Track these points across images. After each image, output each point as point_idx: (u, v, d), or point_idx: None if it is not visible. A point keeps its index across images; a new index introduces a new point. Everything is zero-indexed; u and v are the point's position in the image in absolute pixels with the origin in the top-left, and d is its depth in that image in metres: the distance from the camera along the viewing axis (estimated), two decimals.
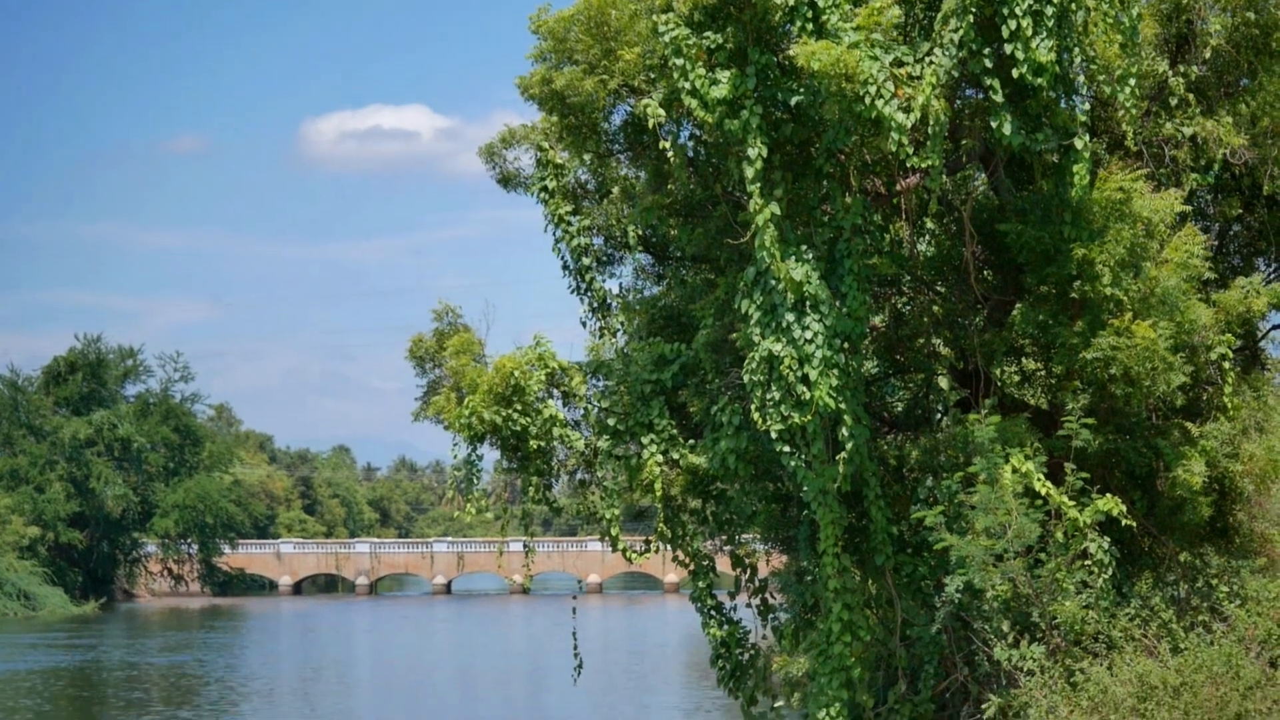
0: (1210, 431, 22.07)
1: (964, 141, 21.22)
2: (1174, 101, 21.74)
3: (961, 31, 19.46)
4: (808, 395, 19.83)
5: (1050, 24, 19.42)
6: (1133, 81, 20.06)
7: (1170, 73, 21.79)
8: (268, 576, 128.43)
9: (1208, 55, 21.92)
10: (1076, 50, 19.75)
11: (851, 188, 20.59)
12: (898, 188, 21.08)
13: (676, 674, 53.38)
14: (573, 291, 24.60)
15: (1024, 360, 23.86)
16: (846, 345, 20.31)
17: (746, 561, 24.36)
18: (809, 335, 19.84)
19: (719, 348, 21.87)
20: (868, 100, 19.05)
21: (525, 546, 25.27)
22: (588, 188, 24.78)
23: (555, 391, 23.38)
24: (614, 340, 24.67)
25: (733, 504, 23.23)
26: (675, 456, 22.40)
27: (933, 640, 21.72)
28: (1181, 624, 20.65)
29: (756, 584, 24.40)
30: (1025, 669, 20.34)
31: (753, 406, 20.39)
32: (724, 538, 24.28)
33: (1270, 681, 19.15)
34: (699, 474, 22.75)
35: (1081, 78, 20.54)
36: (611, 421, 22.51)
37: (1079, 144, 20.20)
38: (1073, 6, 19.50)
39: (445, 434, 23.45)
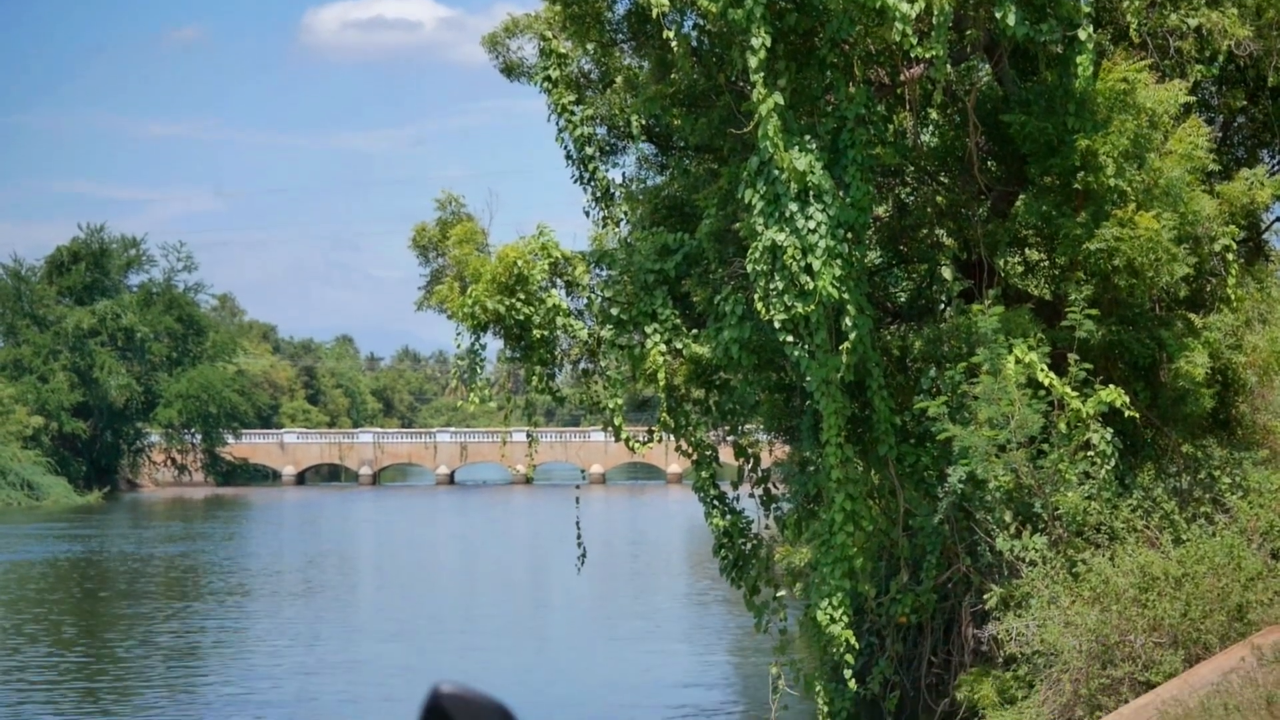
0: (1213, 323, 22.07)
1: (968, 32, 21.07)
2: None
3: None
4: (811, 285, 19.81)
5: None
6: None
7: None
8: (271, 466, 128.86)
9: None
10: None
11: (855, 78, 20.48)
12: (902, 78, 20.96)
13: (679, 564, 53.64)
14: (576, 181, 24.54)
15: (1027, 251, 23.82)
16: (850, 235, 20.26)
17: (749, 452, 24.41)
18: (812, 225, 19.79)
19: (722, 237, 21.81)
20: None
21: (528, 436, 25.32)
22: (591, 77, 24.66)
23: (558, 281, 23.35)
24: (617, 230, 24.63)
25: (736, 394, 23.24)
26: (678, 346, 22.40)
27: (935, 530, 21.80)
28: (1183, 515, 20.71)
29: (759, 474, 24.47)
30: (1027, 559, 20.42)
31: (756, 296, 20.37)
32: (727, 428, 24.33)
33: (1272, 573, 19.22)
34: (702, 364, 22.76)
35: None
36: (615, 311, 22.50)
37: (1083, 35, 20.06)
38: None
39: (448, 324, 23.46)
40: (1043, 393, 20.40)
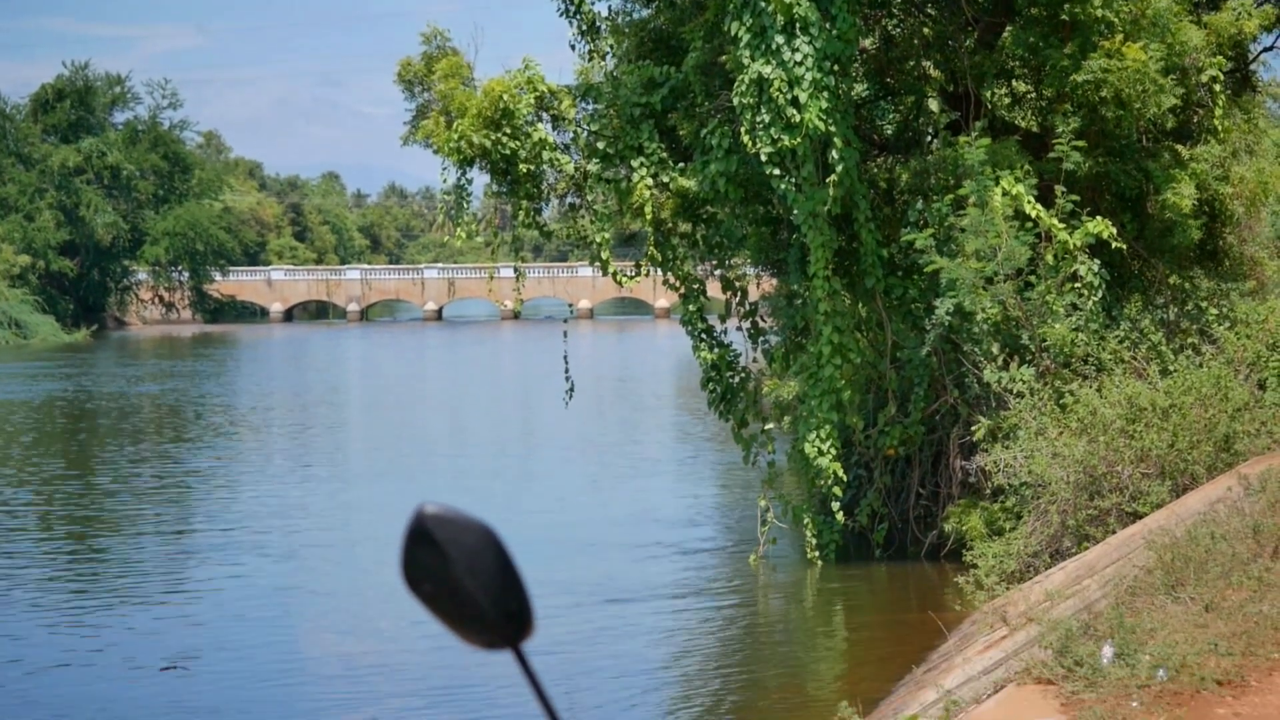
0: (1200, 154, 22.00)
1: None
2: None
3: None
4: (797, 118, 19.70)
5: None
6: None
7: None
8: (259, 304, 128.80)
9: None
10: None
11: None
12: None
13: (667, 398, 53.80)
14: (562, 14, 24.30)
15: (1014, 83, 23.69)
16: (836, 68, 20.12)
17: (737, 285, 24.40)
18: (799, 58, 19.65)
19: (709, 70, 21.66)
20: None
21: (516, 272, 25.29)
22: None
23: (544, 115, 23.21)
24: (603, 63, 24.44)
25: (723, 227, 23.20)
26: (665, 180, 22.32)
27: (922, 363, 21.85)
28: (1170, 346, 20.77)
29: (747, 308, 24.47)
30: (1015, 391, 20.49)
31: (742, 129, 20.27)
32: (714, 262, 24.30)
33: (1258, 403, 19.29)
34: (689, 197, 22.68)
35: None
36: (601, 145, 22.39)
37: None
38: None
39: (435, 160, 23.35)
40: (1030, 225, 20.37)
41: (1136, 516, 17.70)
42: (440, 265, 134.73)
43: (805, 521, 22.07)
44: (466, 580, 2.08)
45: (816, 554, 21.89)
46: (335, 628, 19.30)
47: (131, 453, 37.22)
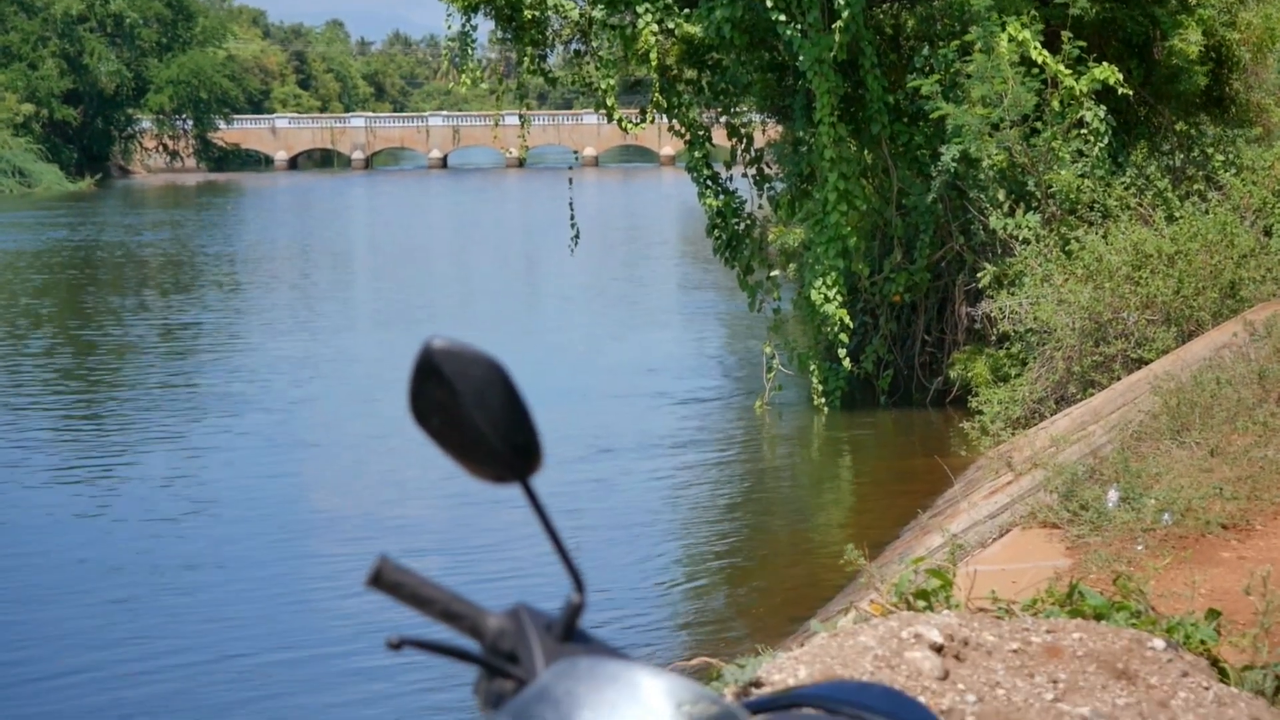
0: (1207, 0, 21.83)
1: None
2: None
3: None
4: None
5: None
6: None
7: None
8: (263, 152, 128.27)
9: None
10: None
11: None
12: None
13: (672, 245, 53.74)
14: None
15: None
16: None
17: (742, 132, 24.29)
18: None
19: None
20: None
21: (521, 119, 25.17)
22: None
23: None
24: None
25: (728, 74, 23.05)
26: (670, 26, 22.14)
27: (928, 209, 21.79)
28: (1177, 193, 20.70)
29: (752, 155, 24.38)
30: (1020, 238, 20.45)
31: None
32: (719, 109, 24.17)
33: (1264, 249, 19.26)
34: (694, 44, 22.52)
35: None
36: None
37: None
38: None
39: (439, 6, 23.16)
40: (1036, 70, 20.24)
41: (1142, 363, 17.73)
42: (445, 113, 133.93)
43: (811, 368, 22.12)
44: (474, 414, 2.09)
45: (822, 401, 21.95)
46: (342, 473, 19.40)
47: (136, 303, 37.25)
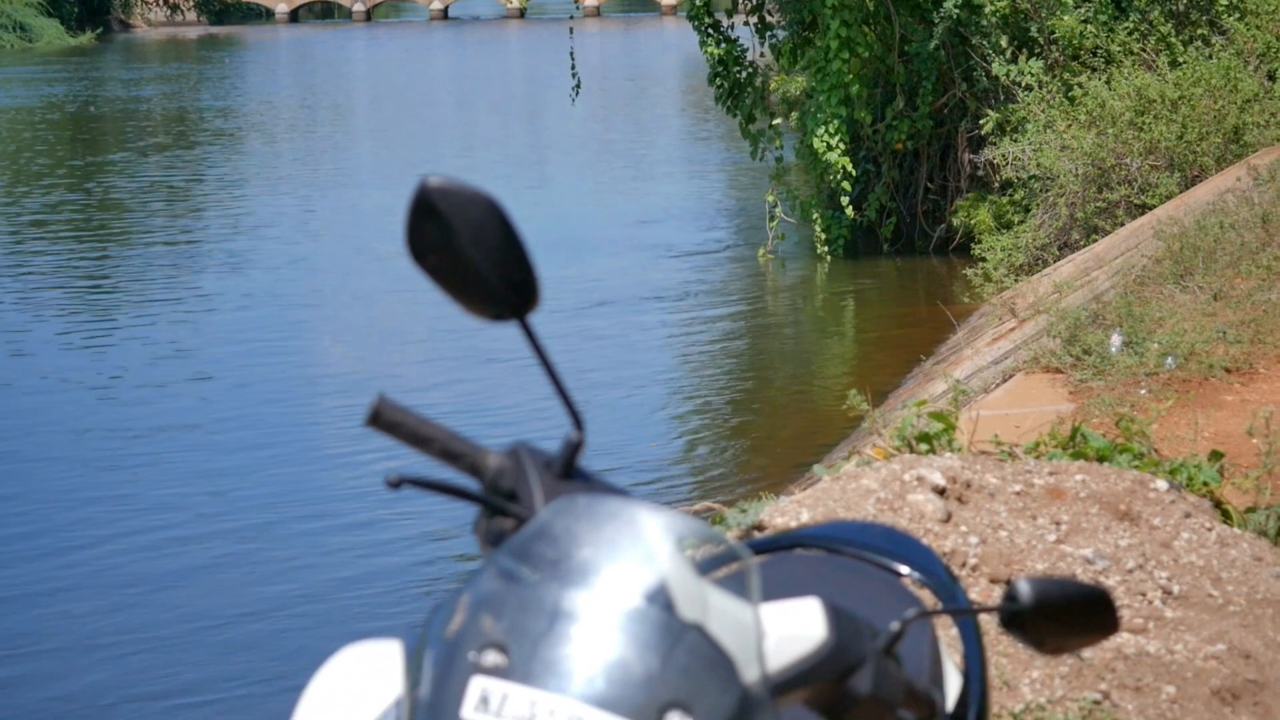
0: None
1: None
2: None
3: None
4: None
5: None
6: None
7: None
8: (264, 4, 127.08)
9: None
10: None
11: None
12: None
13: (674, 95, 53.41)
14: None
15: None
16: None
17: None
18: None
19: None
20: None
21: None
22: None
23: None
24: None
25: None
26: None
27: (931, 56, 21.63)
28: (1180, 38, 20.54)
29: (754, 2, 24.16)
30: (1023, 84, 20.33)
31: None
32: None
33: (1268, 94, 19.14)
34: None
35: None
36: None
37: None
38: None
39: None
40: None
41: (1145, 208, 17.69)
42: None
43: (814, 217, 22.06)
44: (471, 251, 2.08)
45: (825, 249, 21.91)
46: (345, 328, 19.41)
47: (136, 159, 37.08)
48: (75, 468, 14.01)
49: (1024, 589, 2.10)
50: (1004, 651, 5.14)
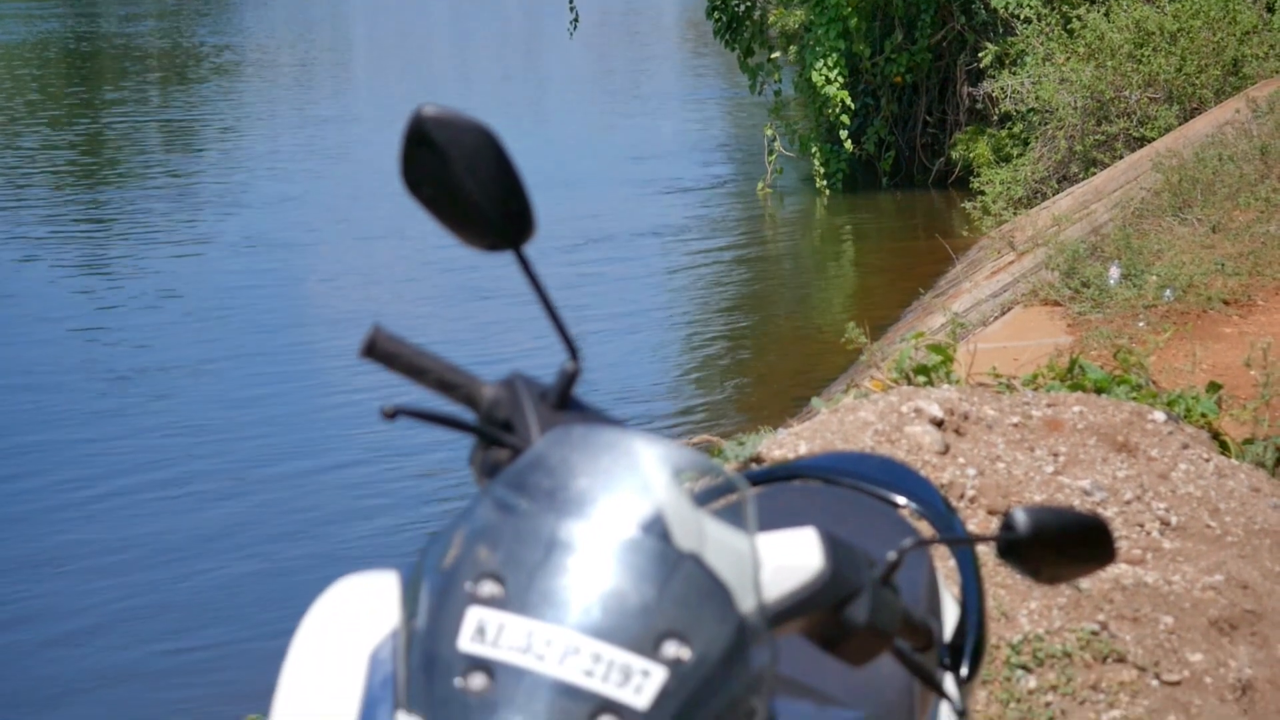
0: None
1: None
2: None
3: None
4: None
5: None
6: None
7: None
8: None
9: None
10: None
11: None
12: None
13: (672, 29, 53.23)
14: None
15: None
16: None
17: None
18: None
19: None
20: None
21: None
22: None
23: None
24: None
25: None
26: None
27: None
28: None
29: None
30: (1022, 17, 20.25)
31: None
32: None
33: (1267, 26, 19.07)
34: None
35: None
36: None
37: None
38: None
39: None
40: None
41: (1144, 141, 17.65)
42: None
43: (812, 151, 22.02)
44: (466, 181, 2.07)
45: (824, 183, 21.88)
46: (340, 266, 19.38)
47: (133, 95, 36.95)
48: (68, 408, 13.98)
49: (1021, 518, 2.09)
50: (1001, 583, 5.15)
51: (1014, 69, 19.95)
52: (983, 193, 18.95)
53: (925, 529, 2.74)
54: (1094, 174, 17.65)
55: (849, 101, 21.31)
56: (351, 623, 1.96)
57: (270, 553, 10.93)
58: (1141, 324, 9.29)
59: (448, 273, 17.56)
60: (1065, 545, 2.14)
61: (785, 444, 5.73)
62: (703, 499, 1.92)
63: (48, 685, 9.28)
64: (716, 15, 23.53)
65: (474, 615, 1.77)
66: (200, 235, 20.91)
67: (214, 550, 10.94)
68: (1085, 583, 5.21)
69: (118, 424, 13.60)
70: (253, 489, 12.09)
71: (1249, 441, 6.85)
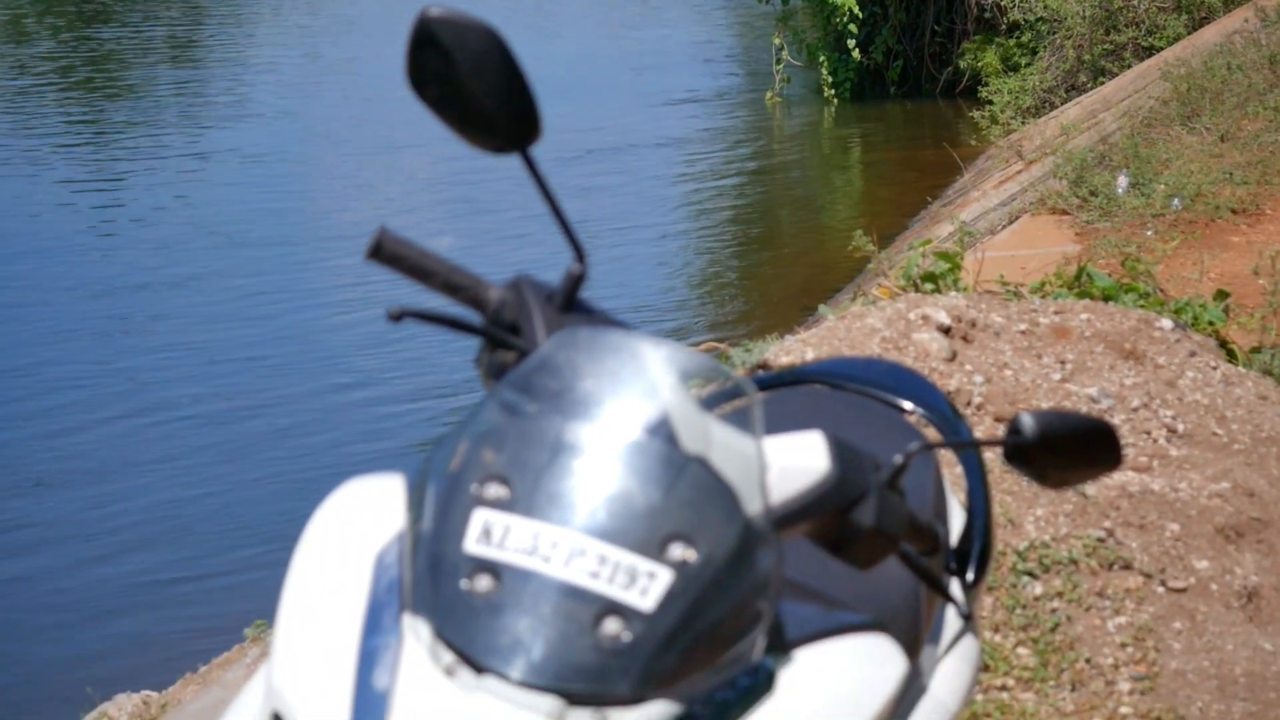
0: None
1: None
2: None
3: None
4: None
5: None
6: None
7: None
8: None
9: None
10: None
11: None
12: None
13: None
14: None
15: None
16: None
17: None
18: None
19: None
20: None
21: None
22: None
23: None
24: None
25: None
26: None
27: None
28: None
29: None
30: None
31: None
32: None
33: None
34: None
35: None
36: None
37: None
38: None
39: None
40: None
41: (1152, 50, 17.56)
42: None
43: (820, 60, 21.93)
44: (471, 82, 2.05)
45: (831, 93, 21.81)
46: (346, 179, 19.33)
47: (140, 6, 36.74)
48: (73, 322, 13.98)
49: (1028, 422, 2.08)
50: (1008, 490, 5.16)
51: None
52: (991, 102, 18.87)
53: (932, 434, 2.74)
54: (1102, 83, 17.56)
55: (857, 10, 21.20)
56: (357, 526, 1.96)
57: (275, 462, 10.95)
58: (1149, 232, 9.27)
59: (454, 184, 17.51)
60: (1072, 449, 2.13)
61: (792, 351, 5.72)
62: (709, 403, 1.92)
63: (60, 603, 9.33)
64: None
65: (480, 517, 1.77)
66: (203, 147, 20.83)
67: (218, 463, 10.97)
68: (1091, 489, 5.22)
69: (117, 335, 13.60)
70: (257, 402, 12.10)
71: (1256, 350, 6.85)
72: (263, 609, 6.10)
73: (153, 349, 13.28)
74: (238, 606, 8.00)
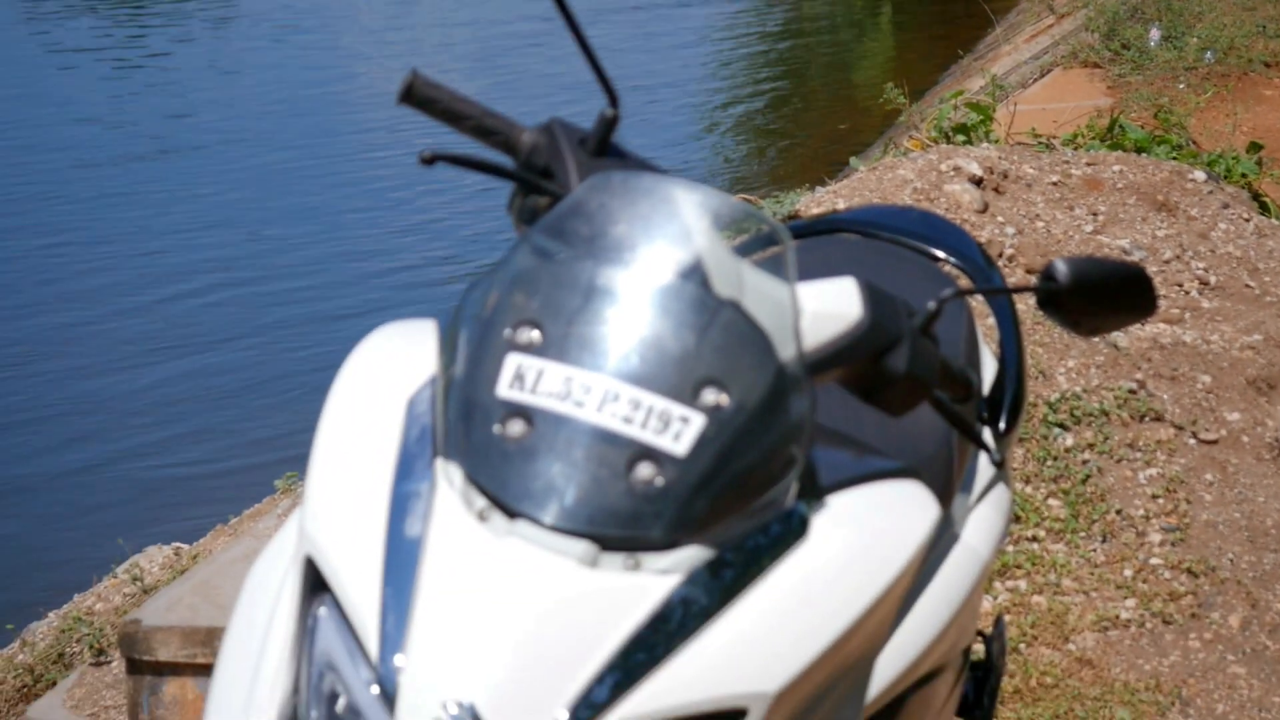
0: None
1: None
2: None
3: None
4: None
5: None
6: None
7: None
8: None
9: None
10: None
11: None
12: None
13: None
14: None
15: None
16: None
17: None
18: None
19: None
20: None
21: None
22: None
23: None
24: None
25: None
26: None
27: None
28: None
29: None
30: None
31: None
32: None
33: None
34: None
35: None
36: None
37: None
38: None
39: None
40: None
41: None
42: None
43: None
44: None
45: None
46: (368, 39, 19.21)
47: None
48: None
49: (1061, 268, 2.06)
50: (1040, 341, 5.14)
51: None
52: None
53: (965, 283, 2.71)
54: None
55: None
56: (389, 372, 1.94)
57: (310, 304, 10.97)
58: (1182, 86, 9.18)
59: (484, 32, 17.38)
60: (1106, 295, 2.10)
61: (823, 202, 5.69)
62: (743, 250, 1.90)
63: (92, 458, 9.38)
64: None
65: (512, 362, 1.75)
66: (228, 40, 20.62)
67: (245, 319, 10.97)
68: (1123, 341, 5.20)
69: (146, 193, 13.57)
70: (288, 242, 12.10)
71: None
72: (293, 460, 6.13)
73: (181, 201, 13.26)
74: (268, 457, 8.05)
